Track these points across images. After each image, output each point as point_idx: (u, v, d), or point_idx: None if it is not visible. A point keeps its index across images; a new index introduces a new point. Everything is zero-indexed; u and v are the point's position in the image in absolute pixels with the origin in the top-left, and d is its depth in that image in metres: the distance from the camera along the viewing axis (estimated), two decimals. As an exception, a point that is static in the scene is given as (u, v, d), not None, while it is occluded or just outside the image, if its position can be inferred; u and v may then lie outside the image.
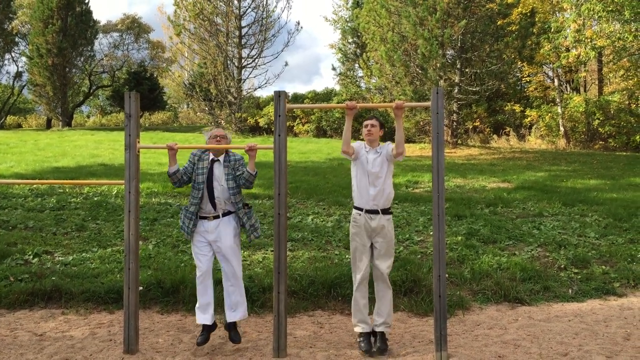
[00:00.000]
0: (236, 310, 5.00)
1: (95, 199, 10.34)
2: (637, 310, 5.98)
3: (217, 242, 4.94)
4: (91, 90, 42.02)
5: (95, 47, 37.62)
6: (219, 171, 4.97)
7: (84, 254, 7.36)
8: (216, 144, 4.99)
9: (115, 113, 43.78)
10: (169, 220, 9.08)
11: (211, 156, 5.02)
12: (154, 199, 10.44)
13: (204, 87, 28.46)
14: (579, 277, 6.94)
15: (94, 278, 6.53)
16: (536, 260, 7.42)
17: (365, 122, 5.29)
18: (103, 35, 43.31)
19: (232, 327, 5.02)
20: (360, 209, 5.04)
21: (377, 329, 5.01)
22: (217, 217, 4.96)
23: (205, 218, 4.96)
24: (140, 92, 30.60)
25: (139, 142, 4.88)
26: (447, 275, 6.74)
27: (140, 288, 5.93)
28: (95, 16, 36.42)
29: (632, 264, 7.20)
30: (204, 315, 4.96)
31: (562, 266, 7.22)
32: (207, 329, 4.97)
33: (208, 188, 4.91)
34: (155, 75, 37.79)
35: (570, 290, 6.61)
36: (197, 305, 4.99)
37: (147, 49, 46.54)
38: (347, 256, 7.36)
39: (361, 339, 4.97)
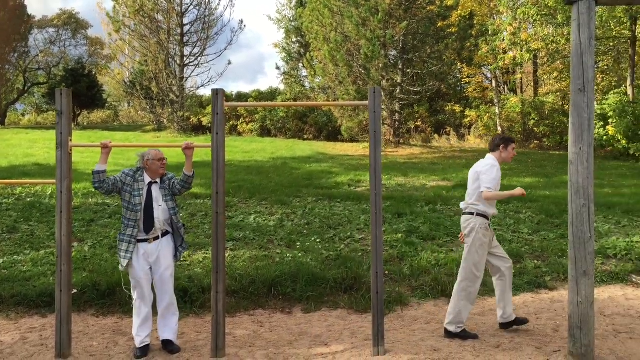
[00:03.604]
0: (171, 329, 4.94)
1: (29, 199, 9.98)
2: (566, 303, 6.22)
3: (156, 264, 4.87)
4: (26, 88, 40.39)
5: (30, 43, 36.29)
6: (157, 193, 4.90)
7: (15, 257, 7.10)
8: (162, 168, 4.92)
9: (52, 111, 42.28)
10: (106, 221, 8.86)
11: (147, 179, 4.91)
12: (91, 200, 10.15)
13: (145, 85, 27.86)
14: (513, 271, 7.16)
15: (25, 281, 6.31)
16: (473, 256, 7.61)
17: (514, 146, 5.39)
18: (38, 31, 41.72)
19: (169, 342, 4.93)
20: (488, 218, 5.24)
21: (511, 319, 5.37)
22: (157, 238, 4.89)
23: (145, 241, 4.87)
24: (78, 89, 29.70)
25: (71, 140, 4.74)
26: (386, 272, 6.86)
27: (74, 291, 5.76)
28: (29, 11, 35.05)
29: (563, 258, 7.49)
30: (142, 339, 4.85)
31: (497, 261, 7.43)
32: (146, 347, 4.88)
33: (147, 210, 4.83)
34: (94, 73, 36.67)
35: (504, 285, 6.81)
36: (135, 330, 4.86)
37: (85, 45, 45.10)
38: (288, 255, 7.37)
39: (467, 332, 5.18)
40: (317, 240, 8.11)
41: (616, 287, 6.87)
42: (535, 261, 7.51)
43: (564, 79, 25.19)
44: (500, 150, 5.36)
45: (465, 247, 5.32)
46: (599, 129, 19.57)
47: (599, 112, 19.53)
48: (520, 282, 6.87)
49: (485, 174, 5.23)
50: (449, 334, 5.18)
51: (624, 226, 9.22)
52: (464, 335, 5.14)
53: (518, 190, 5.18)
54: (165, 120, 28.69)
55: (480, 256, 5.21)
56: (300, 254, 7.43)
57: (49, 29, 43.51)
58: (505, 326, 5.39)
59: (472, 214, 5.30)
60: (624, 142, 19.17)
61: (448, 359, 4.65)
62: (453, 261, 7.20)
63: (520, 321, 5.38)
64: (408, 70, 22.07)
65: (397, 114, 22.93)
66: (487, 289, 6.68)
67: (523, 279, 6.95)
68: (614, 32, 21.62)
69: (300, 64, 33.95)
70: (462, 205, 5.49)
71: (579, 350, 4.53)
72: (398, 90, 22.08)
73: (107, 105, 40.43)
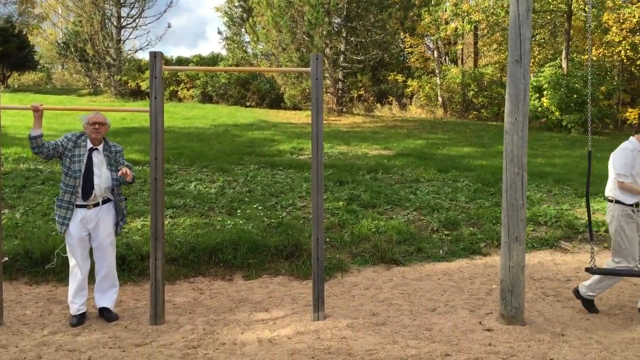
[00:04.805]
0: (109, 297, 4.89)
1: (-46, 165, 9.49)
2: (499, 268, 6.46)
3: (95, 231, 4.75)
4: (-51, 47, 38.12)
5: (-47, -2, 34.05)
6: (98, 159, 4.74)
7: (-60, 225, 6.76)
8: (94, 132, 4.71)
9: (-21, 72, 40.07)
10: (39, 187, 8.54)
11: (89, 145, 4.74)
12: (22, 165, 9.75)
13: (80, 47, 26.74)
14: (450, 238, 7.39)
15: (-48, 250, 6.04)
16: (411, 224, 7.79)
17: None
18: (-38, -14, 39.25)
19: (106, 309, 4.87)
20: (632, 205, 4.95)
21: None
22: (97, 204, 4.76)
23: (84, 207, 4.71)
24: (8, 50, 28.23)
25: (-1, 102, 4.51)
26: (327, 239, 6.93)
27: (5, 258, 5.57)
28: (-48, -36, 32.81)
29: (497, 225, 7.75)
30: (78, 307, 4.75)
31: (435, 228, 7.64)
32: (82, 315, 4.79)
33: (87, 176, 4.67)
34: (24, 33, 34.87)
35: (441, 251, 7.02)
36: (70, 297, 4.76)
37: (14, 3, 42.78)
38: (229, 222, 7.32)
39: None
40: (259, 208, 8.09)
41: (546, 253, 7.19)
42: (471, 228, 7.75)
43: (502, 51, 25.75)
44: None
45: (610, 234, 5.12)
46: (534, 100, 20.19)
47: (534, 84, 20.12)
48: (456, 249, 7.09)
49: (614, 159, 4.98)
50: (576, 294, 5.19)
51: (555, 195, 9.61)
52: (588, 306, 5.11)
53: None
54: (101, 84, 27.72)
55: (628, 242, 4.93)
56: (241, 222, 7.40)
57: (-26, -16, 40.95)
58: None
59: (611, 201, 5.04)
60: (557, 113, 19.87)
61: (386, 322, 4.77)
62: (393, 228, 7.34)
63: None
64: (352, 39, 22.03)
65: (340, 83, 22.94)
66: (425, 255, 6.87)
67: (459, 246, 7.17)
68: (551, 6, 22.19)
69: (243, 29, 33.30)
70: (606, 191, 5.16)
71: (510, 312, 4.73)
72: (341, 59, 22.04)
73: (39, 67, 38.65)
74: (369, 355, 4.09)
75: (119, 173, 4.67)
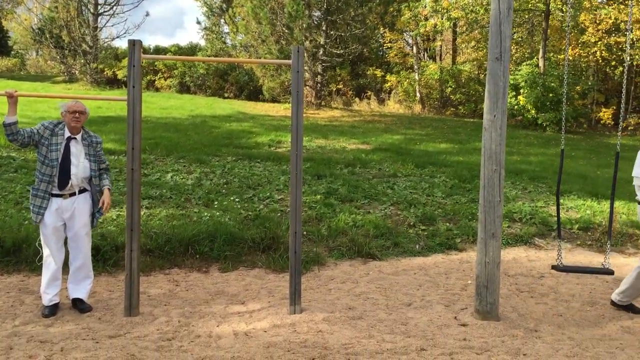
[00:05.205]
0: (83, 288, 4.82)
1: None
2: (474, 264, 6.53)
3: (71, 221, 4.68)
4: None
5: None
6: (76, 149, 4.66)
7: None
8: (74, 121, 4.62)
9: (-50, 57, 39.07)
10: (11, 175, 8.38)
11: (67, 133, 4.65)
12: (-6, 153, 9.57)
13: (55, 34, 26.24)
14: (426, 233, 7.44)
15: None
16: (388, 218, 7.82)
17: None
18: None
19: (79, 300, 4.80)
20: None
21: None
22: (73, 194, 4.68)
23: (60, 196, 4.64)
24: (-20, 34, 27.62)
25: (-29, 87, 4.40)
26: (304, 233, 6.92)
27: (-24, 248, 5.46)
28: None
29: (472, 221, 7.83)
30: (51, 297, 4.68)
31: (412, 223, 7.68)
32: (55, 305, 4.72)
33: (64, 165, 4.59)
34: (-2, 17, 34.21)
35: (417, 246, 7.07)
36: (43, 288, 4.68)
37: (-12, -14, 41.81)
38: (205, 214, 7.27)
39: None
40: (236, 200, 8.05)
41: (520, 249, 7.28)
42: (447, 224, 7.81)
43: (480, 49, 25.93)
44: None
45: None
46: (510, 98, 20.38)
47: (511, 82, 20.31)
48: (432, 244, 7.14)
49: (638, 158, 4.89)
50: (613, 304, 5.15)
51: (530, 192, 9.73)
52: (631, 308, 5.08)
53: None
54: (77, 72, 27.26)
55: None
56: (218, 213, 7.35)
57: (-55, -34, 39.93)
58: (617, 306, 5.21)
59: (638, 202, 4.99)
60: (533, 112, 20.10)
61: (362, 316, 4.78)
62: (370, 222, 7.36)
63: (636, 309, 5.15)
64: (331, 32, 21.98)
65: (319, 76, 22.89)
66: (401, 250, 6.90)
67: (435, 241, 7.22)
68: (530, 5, 22.40)
69: (222, 20, 32.96)
70: None
71: (485, 307, 4.78)
72: (321, 52, 21.99)
73: (13, 52, 37.93)
74: (344, 349, 4.10)
75: (99, 205, 4.71)
